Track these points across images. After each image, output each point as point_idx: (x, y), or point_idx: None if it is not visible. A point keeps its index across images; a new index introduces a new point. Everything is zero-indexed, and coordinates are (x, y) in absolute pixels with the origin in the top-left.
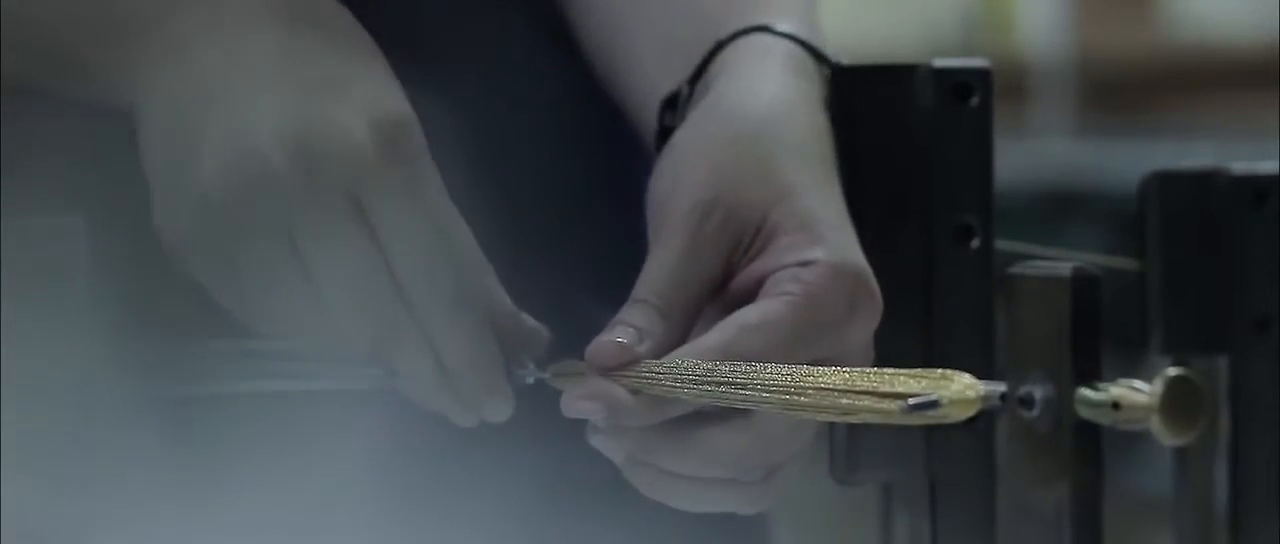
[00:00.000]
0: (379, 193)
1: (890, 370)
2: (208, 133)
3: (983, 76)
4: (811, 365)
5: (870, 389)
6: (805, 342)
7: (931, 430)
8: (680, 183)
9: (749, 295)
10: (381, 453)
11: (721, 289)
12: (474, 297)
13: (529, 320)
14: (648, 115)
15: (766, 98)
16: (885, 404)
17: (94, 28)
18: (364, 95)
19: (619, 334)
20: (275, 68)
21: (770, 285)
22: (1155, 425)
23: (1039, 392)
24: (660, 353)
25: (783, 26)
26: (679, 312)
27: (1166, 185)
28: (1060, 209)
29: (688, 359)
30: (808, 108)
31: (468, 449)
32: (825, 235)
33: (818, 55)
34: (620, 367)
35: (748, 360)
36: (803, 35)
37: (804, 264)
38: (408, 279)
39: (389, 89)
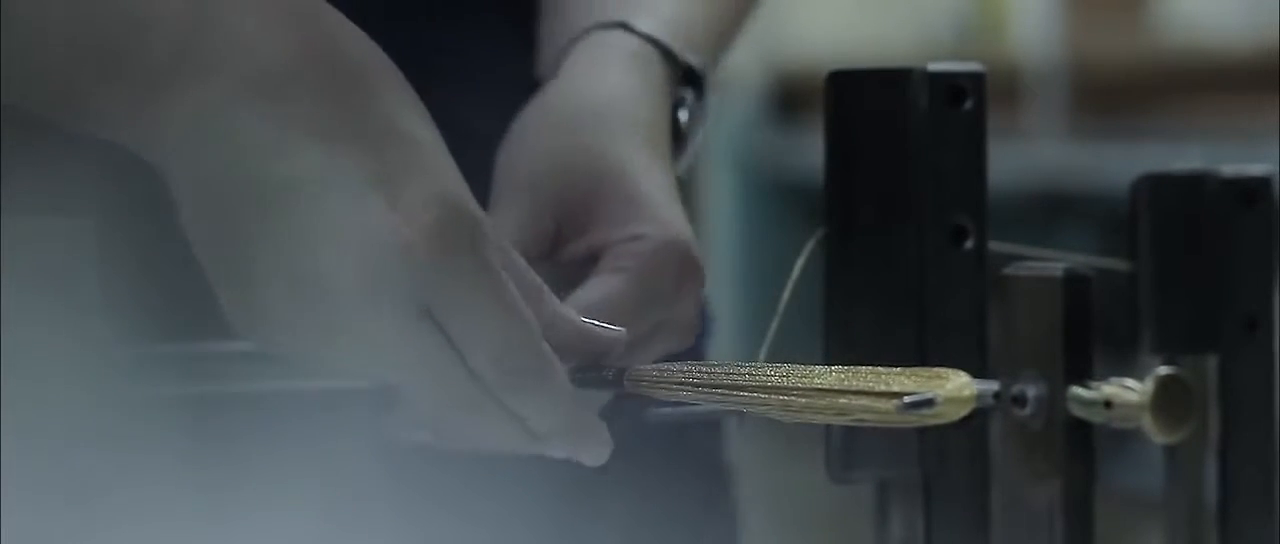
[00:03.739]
0: (445, 297)
1: (885, 369)
2: (259, 243)
3: (976, 80)
4: (648, 332)
5: (866, 388)
6: (641, 311)
7: (926, 429)
8: (518, 157)
9: (581, 261)
10: (392, 450)
11: (554, 251)
12: (552, 362)
13: (603, 329)
14: None
15: (599, 88)
16: (881, 403)
17: (110, 75)
18: (419, 193)
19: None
20: (321, 160)
21: (606, 260)
22: (1146, 423)
23: (1032, 390)
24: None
25: (641, 25)
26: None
27: (1157, 187)
28: (1052, 210)
29: (688, 363)
30: (644, 100)
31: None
32: (652, 212)
33: (669, 54)
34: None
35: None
36: (660, 35)
37: (634, 239)
38: (485, 370)
39: (443, 173)
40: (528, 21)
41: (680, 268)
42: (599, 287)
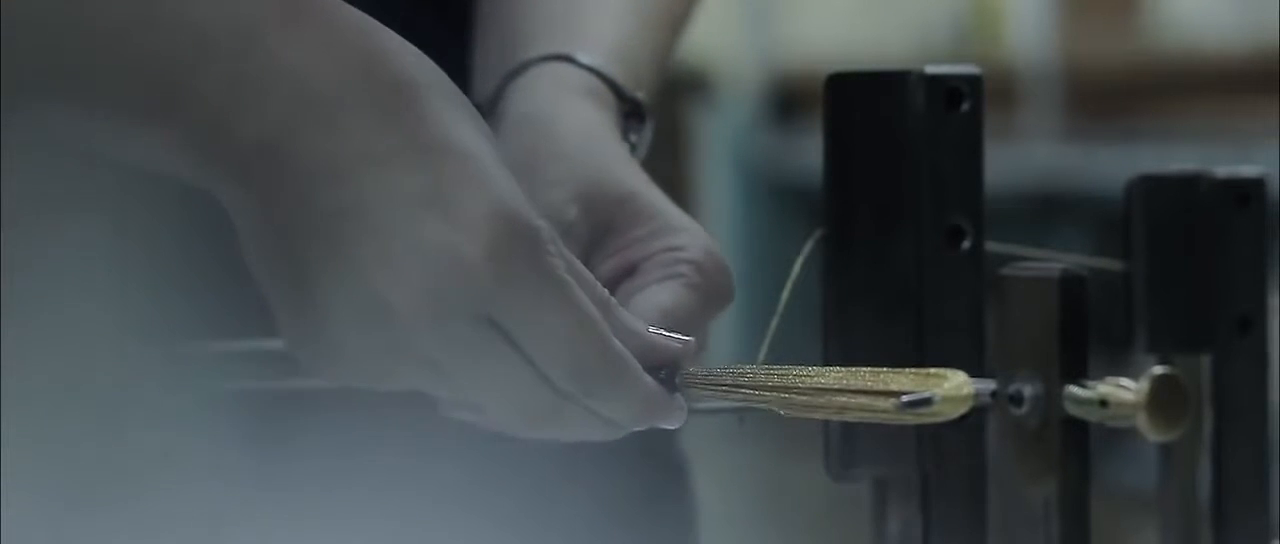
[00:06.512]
0: (513, 312)
1: (884, 369)
2: (320, 276)
3: (973, 82)
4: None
5: (865, 387)
6: (704, 316)
7: (923, 427)
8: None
9: (612, 280)
10: (402, 448)
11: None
12: (627, 360)
13: (671, 339)
14: None
15: (574, 119)
16: (879, 402)
17: (164, 111)
18: (477, 207)
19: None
20: (375, 183)
21: (652, 270)
22: (1141, 422)
23: (1028, 389)
24: None
25: (584, 58)
26: None
27: (1151, 188)
28: (1048, 211)
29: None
30: (615, 130)
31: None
32: (679, 223)
33: (617, 89)
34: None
35: None
36: (605, 69)
37: (673, 248)
38: (558, 376)
39: (499, 185)
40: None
41: (726, 274)
42: (663, 294)
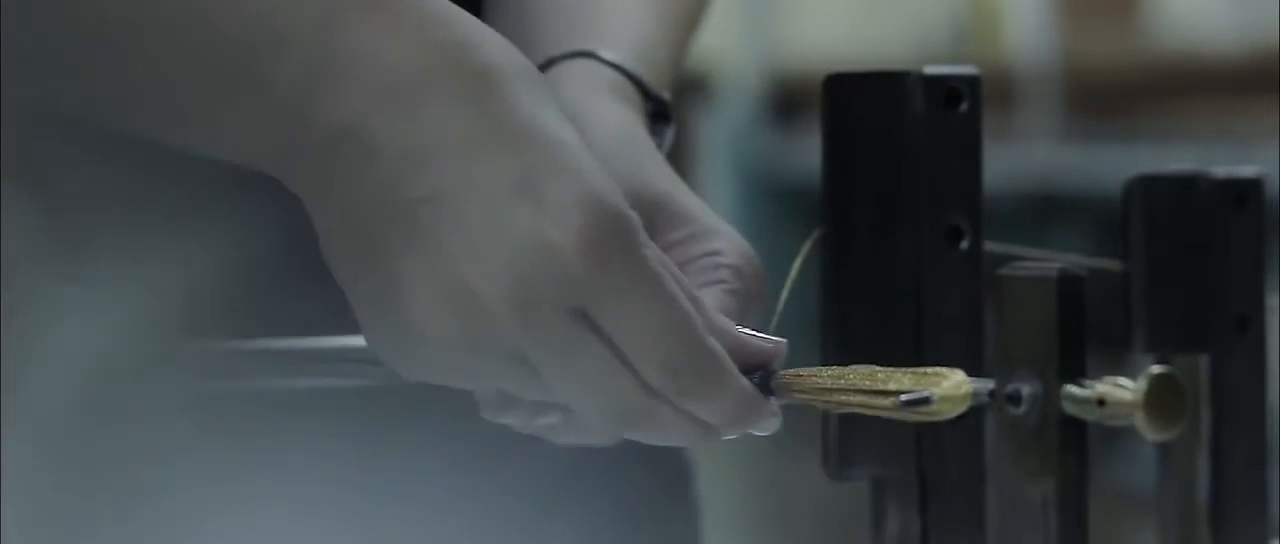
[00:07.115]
0: (602, 301)
1: (883, 368)
2: (404, 264)
3: (972, 83)
4: None
5: (864, 387)
6: (743, 322)
7: (921, 427)
8: None
9: None
10: (411, 448)
11: None
12: (724, 359)
13: (763, 339)
14: None
15: (608, 118)
16: (878, 401)
17: (243, 100)
18: (567, 195)
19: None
20: (462, 169)
21: (692, 275)
22: (1139, 421)
23: (1026, 389)
24: None
25: (608, 56)
26: None
27: (1149, 188)
28: (1047, 211)
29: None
30: (644, 127)
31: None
32: (713, 226)
33: (642, 87)
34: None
35: None
36: (628, 66)
37: (711, 253)
38: (651, 373)
39: (589, 172)
40: None
41: (761, 278)
42: (706, 300)
